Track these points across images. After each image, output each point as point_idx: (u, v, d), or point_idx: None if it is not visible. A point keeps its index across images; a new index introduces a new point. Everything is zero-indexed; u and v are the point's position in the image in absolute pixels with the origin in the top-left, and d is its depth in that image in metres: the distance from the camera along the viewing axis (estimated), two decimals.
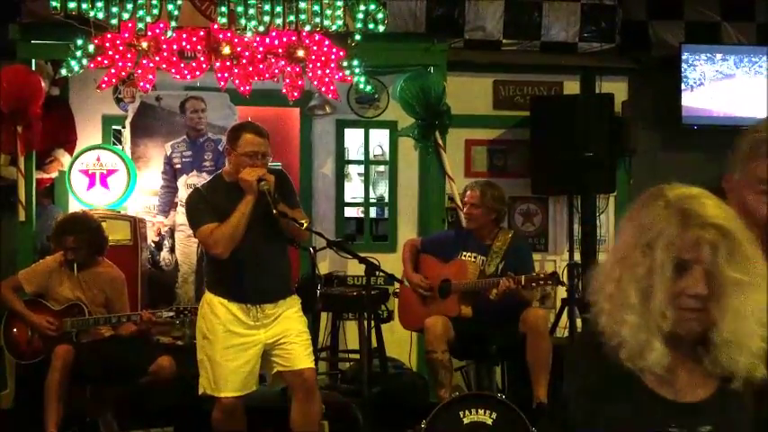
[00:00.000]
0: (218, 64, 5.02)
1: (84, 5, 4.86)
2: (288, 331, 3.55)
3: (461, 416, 3.74)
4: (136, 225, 5.16)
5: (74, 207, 5.45)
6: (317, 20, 5.03)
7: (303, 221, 3.56)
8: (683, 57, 5.96)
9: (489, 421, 3.72)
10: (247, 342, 3.53)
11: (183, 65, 5.02)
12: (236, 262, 3.49)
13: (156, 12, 4.94)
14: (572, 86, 5.81)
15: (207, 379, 3.54)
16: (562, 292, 5.41)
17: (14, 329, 4.36)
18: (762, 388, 1.41)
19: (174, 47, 4.99)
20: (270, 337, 3.55)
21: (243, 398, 3.56)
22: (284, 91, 5.11)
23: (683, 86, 5.96)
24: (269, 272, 3.56)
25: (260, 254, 3.53)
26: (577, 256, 5.54)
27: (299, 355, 3.54)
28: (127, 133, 5.51)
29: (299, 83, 5.11)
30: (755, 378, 1.38)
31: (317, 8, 5.03)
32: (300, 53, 5.04)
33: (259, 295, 3.53)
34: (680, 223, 1.34)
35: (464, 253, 4.64)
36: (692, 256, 1.34)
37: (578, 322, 4.96)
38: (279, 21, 5.01)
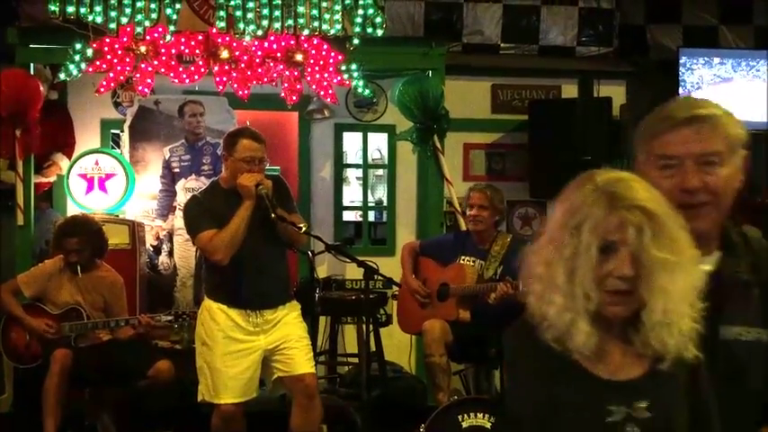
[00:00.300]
0: (216, 68, 5.02)
1: (83, 10, 4.86)
2: (288, 337, 3.55)
3: (460, 420, 3.73)
4: (134, 229, 5.16)
5: (72, 211, 5.44)
6: (316, 24, 5.04)
7: (302, 225, 3.57)
8: (681, 60, 5.97)
9: (488, 425, 3.72)
10: (247, 348, 3.52)
11: (181, 69, 5.03)
12: (236, 268, 3.49)
13: (154, 16, 4.94)
14: (570, 90, 5.82)
15: (206, 386, 3.53)
16: None
17: (13, 334, 4.35)
18: (695, 368, 1.43)
19: (173, 51, 5.00)
20: (270, 342, 3.54)
21: (242, 405, 3.56)
22: (283, 95, 5.12)
23: (681, 90, 5.97)
24: (268, 277, 3.56)
25: (259, 259, 3.53)
26: None
27: (300, 361, 3.54)
28: (125, 137, 5.51)
29: (298, 87, 5.11)
30: (685, 358, 1.41)
31: (315, 12, 5.03)
32: (299, 57, 5.04)
33: (258, 301, 3.53)
34: (606, 205, 1.37)
35: (463, 257, 4.64)
36: (618, 237, 1.36)
37: None
38: (277, 25, 5.02)
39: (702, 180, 1.57)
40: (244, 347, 3.52)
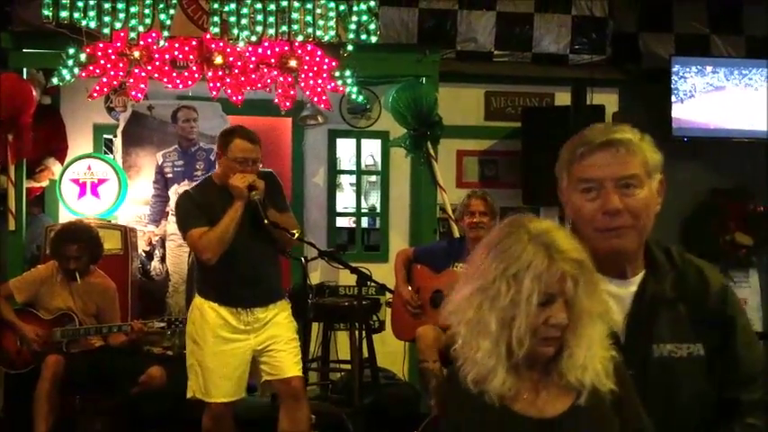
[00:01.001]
0: (210, 74, 5.02)
1: (77, 15, 4.86)
2: (277, 338, 3.55)
3: None
4: (127, 234, 5.14)
5: (64, 216, 5.43)
6: (310, 30, 5.05)
7: (294, 231, 3.56)
8: (674, 69, 6.00)
9: None
10: (237, 347, 3.53)
11: (175, 74, 5.02)
12: (227, 266, 3.49)
13: (148, 21, 4.94)
14: (563, 98, 5.84)
15: (197, 383, 3.54)
16: None
17: (4, 339, 4.33)
18: (618, 399, 1.49)
19: (167, 56, 4.99)
20: (259, 342, 3.55)
21: (232, 404, 3.56)
22: (276, 101, 5.12)
23: (674, 98, 6.00)
24: (259, 276, 3.56)
25: (250, 258, 3.53)
26: None
27: (288, 364, 3.54)
28: (118, 142, 5.50)
29: (292, 93, 5.11)
30: (602, 391, 1.48)
31: (309, 19, 5.04)
32: (293, 63, 5.05)
33: (249, 299, 3.53)
34: (546, 257, 1.43)
35: (457, 264, 4.64)
36: (557, 288, 1.43)
37: None
38: (271, 31, 5.03)
39: (623, 202, 1.60)
40: (234, 347, 3.52)
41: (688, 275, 1.69)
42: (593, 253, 1.49)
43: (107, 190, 5.29)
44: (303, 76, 5.08)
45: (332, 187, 6.04)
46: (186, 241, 3.69)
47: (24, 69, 5.21)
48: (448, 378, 1.55)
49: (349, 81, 5.15)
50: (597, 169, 1.61)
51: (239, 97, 5.04)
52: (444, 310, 1.53)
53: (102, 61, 4.93)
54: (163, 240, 5.43)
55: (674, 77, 5.99)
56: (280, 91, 5.10)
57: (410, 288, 4.69)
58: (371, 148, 6.26)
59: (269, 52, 5.04)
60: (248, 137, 3.54)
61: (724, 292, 1.68)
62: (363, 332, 4.46)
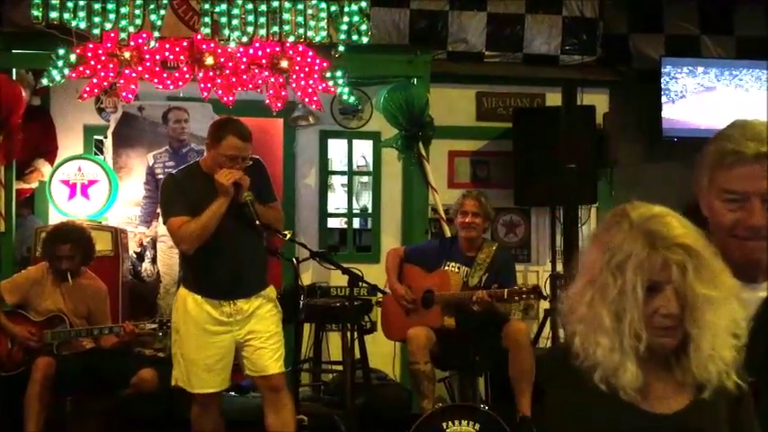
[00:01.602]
0: (201, 74, 5.01)
1: (66, 15, 4.84)
2: (258, 333, 3.55)
3: (445, 427, 3.74)
4: (117, 236, 5.12)
5: (54, 218, 5.40)
6: (301, 31, 5.04)
7: (286, 233, 3.57)
8: (665, 69, 6.03)
9: None
10: (220, 339, 3.54)
11: (165, 75, 5.01)
12: (211, 257, 3.50)
13: (138, 22, 4.93)
14: (554, 98, 5.85)
15: (180, 372, 3.57)
16: (545, 303, 5.43)
17: None
18: (738, 398, 1.44)
19: (157, 57, 4.98)
20: (241, 334, 3.55)
21: (219, 394, 3.60)
22: (267, 102, 5.11)
23: (664, 99, 6.02)
24: (243, 269, 3.56)
25: (234, 249, 3.53)
26: (560, 267, 5.58)
27: (267, 361, 3.55)
28: (109, 143, 5.48)
29: (283, 93, 5.11)
30: (727, 387, 1.42)
31: (300, 19, 5.04)
32: (284, 64, 5.04)
33: (232, 291, 3.53)
34: (647, 245, 1.38)
35: (448, 263, 4.64)
36: (662, 277, 1.38)
37: (561, 333, 4.98)
38: (262, 31, 5.02)
39: (766, 217, 1.56)
40: (217, 339, 3.53)
41: None
42: (727, 257, 1.45)
43: (97, 191, 5.27)
44: (294, 76, 5.08)
45: (323, 188, 6.03)
46: (166, 227, 3.70)
47: (14, 70, 5.19)
48: (563, 375, 1.47)
49: (340, 82, 5.15)
50: (745, 182, 1.56)
51: (230, 98, 5.03)
52: (561, 307, 1.48)
53: (93, 62, 4.91)
54: (154, 241, 5.41)
55: (664, 78, 6.02)
56: (271, 92, 5.09)
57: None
58: (363, 149, 6.25)
59: (260, 53, 5.03)
60: (241, 134, 3.51)
61: None
62: (355, 333, 4.46)
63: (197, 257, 3.52)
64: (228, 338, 3.55)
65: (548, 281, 5.40)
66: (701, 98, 6.07)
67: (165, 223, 3.68)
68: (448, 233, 5.41)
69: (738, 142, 1.58)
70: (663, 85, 6.01)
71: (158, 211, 5.35)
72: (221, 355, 3.54)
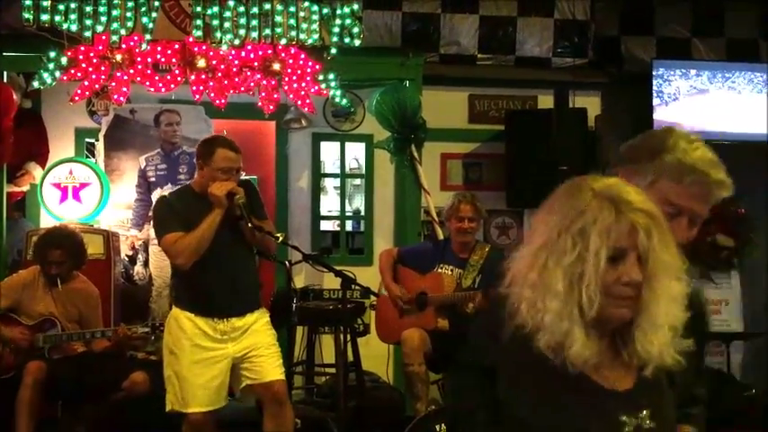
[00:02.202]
0: (193, 77, 5.00)
1: (58, 18, 4.82)
2: (257, 344, 3.54)
3: (438, 429, 3.72)
4: (109, 239, 5.11)
5: (45, 221, 5.38)
6: (293, 33, 5.04)
7: (279, 235, 3.56)
8: (658, 72, 6.05)
9: None
10: (215, 356, 3.50)
11: (157, 78, 5.00)
12: (204, 276, 3.48)
13: (130, 24, 4.92)
14: (546, 101, 5.87)
15: (174, 395, 3.51)
16: None
17: None
18: (670, 370, 1.43)
19: (149, 60, 4.97)
20: (238, 351, 3.52)
21: (212, 413, 3.53)
22: (260, 104, 5.11)
23: (657, 101, 6.05)
24: (237, 285, 3.54)
25: (228, 266, 3.51)
26: None
27: (269, 368, 3.53)
28: (100, 146, 5.46)
29: (275, 96, 5.10)
30: (666, 363, 1.40)
31: (292, 22, 5.04)
32: (276, 66, 5.04)
33: (226, 309, 3.51)
34: (613, 210, 1.34)
35: (441, 265, 4.65)
36: (629, 242, 1.34)
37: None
38: (254, 34, 5.01)
39: (686, 237, 1.66)
40: (211, 356, 3.49)
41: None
42: None
43: (89, 194, 5.25)
44: (287, 79, 5.08)
45: (316, 190, 6.03)
46: (161, 245, 3.65)
47: (5, 73, 5.17)
48: (510, 339, 1.39)
49: (333, 84, 5.15)
50: (689, 200, 1.64)
51: (222, 101, 5.03)
52: (506, 271, 1.43)
53: (84, 65, 4.89)
54: (146, 245, 5.39)
55: (657, 80, 6.04)
56: (263, 94, 5.08)
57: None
58: (355, 152, 6.25)
59: (252, 55, 5.03)
60: (231, 146, 3.52)
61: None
62: (348, 335, 4.45)
63: (191, 274, 3.48)
64: (223, 356, 3.51)
65: None
66: (694, 100, 6.10)
67: (159, 243, 3.63)
68: (441, 235, 5.41)
69: (698, 165, 1.65)
70: (656, 88, 6.03)
71: (150, 214, 5.35)
72: (216, 373, 3.49)
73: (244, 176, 3.78)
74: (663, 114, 6.07)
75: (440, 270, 4.64)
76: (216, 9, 4.96)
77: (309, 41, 5.07)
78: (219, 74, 5.00)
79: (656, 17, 6.31)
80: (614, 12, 6.28)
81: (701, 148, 1.69)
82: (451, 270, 4.62)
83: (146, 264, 5.37)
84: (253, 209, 3.56)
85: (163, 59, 4.99)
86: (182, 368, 3.47)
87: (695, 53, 6.32)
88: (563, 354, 1.35)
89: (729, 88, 6.13)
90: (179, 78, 5.01)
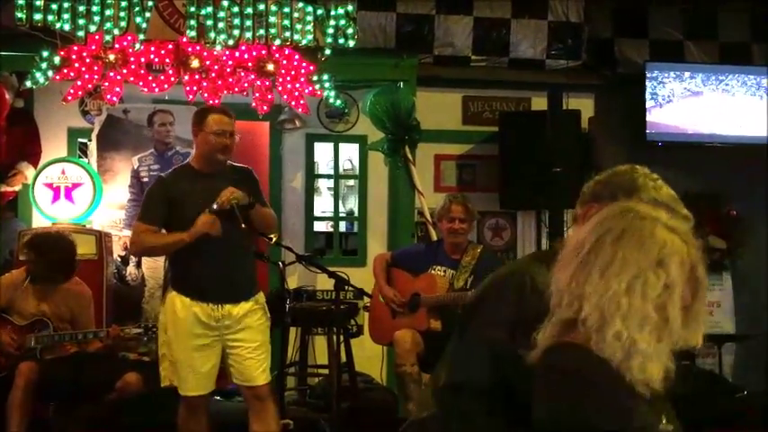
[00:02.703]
0: (186, 77, 4.99)
1: (51, 17, 4.81)
2: (246, 343, 3.56)
3: None
4: (101, 239, 5.09)
5: (38, 221, 5.36)
6: (287, 34, 5.04)
7: (272, 236, 3.57)
8: (652, 74, 6.07)
9: None
10: (208, 344, 3.53)
11: (151, 78, 4.99)
12: (199, 260, 3.50)
13: (123, 24, 4.90)
14: (540, 102, 5.88)
15: (169, 371, 3.57)
16: None
17: None
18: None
19: (142, 60, 4.95)
20: (230, 339, 3.56)
21: (206, 396, 3.60)
22: (254, 105, 5.10)
23: (652, 103, 6.07)
24: (232, 272, 3.56)
25: (223, 254, 3.52)
26: None
27: (254, 371, 3.56)
28: (93, 146, 5.44)
29: (269, 97, 5.10)
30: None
31: (286, 22, 5.03)
32: (270, 67, 5.03)
33: (220, 294, 3.53)
34: (684, 241, 1.45)
35: (434, 266, 4.65)
36: (700, 273, 1.46)
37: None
38: (248, 34, 5.01)
39: None
40: (204, 343, 3.52)
41: None
42: None
43: (81, 194, 5.23)
44: (281, 80, 5.07)
45: (310, 191, 6.03)
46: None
47: None
48: (588, 364, 1.42)
49: (327, 85, 5.15)
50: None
51: (216, 101, 5.01)
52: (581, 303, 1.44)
53: (77, 64, 4.88)
54: None
55: (651, 83, 6.06)
56: (257, 95, 5.08)
57: None
58: (349, 153, 6.25)
59: (246, 56, 5.02)
60: (224, 111, 3.63)
61: None
62: (341, 336, 4.45)
63: (186, 259, 3.52)
64: (216, 342, 3.54)
65: None
66: (688, 103, 6.12)
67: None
68: (434, 237, 5.41)
69: (673, 202, 1.76)
70: (650, 90, 6.05)
71: None
72: (208, 358, 3.53)
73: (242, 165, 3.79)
74: (657, 116, 6.09)
75: (433, 271, 4.64)
76: (210, 9, 4.95)
77: (304, 42, 5.06)
78: (213, 74, 4.99)
79: (649, 20, 6.34)
80: (608, 14, 6.30)
81: (664, 187, 1.82)
82: (444, 271, 4.62)
83: (138, 264, 5.36)
84: (253, 198, 3.59)
85: (156, 59, 4.97)
86: (176, 352, 3.53)
87: (688, 56, 6.34)
88: (640, 378, 1.41)
89: (723, 91, 6.16)
90: (172, 78, 5.00)
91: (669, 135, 6.05)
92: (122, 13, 4.89)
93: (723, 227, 6.09)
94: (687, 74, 6.15)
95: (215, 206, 3.46)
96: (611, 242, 1.44)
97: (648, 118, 6.06)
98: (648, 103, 6.06)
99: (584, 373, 1.41)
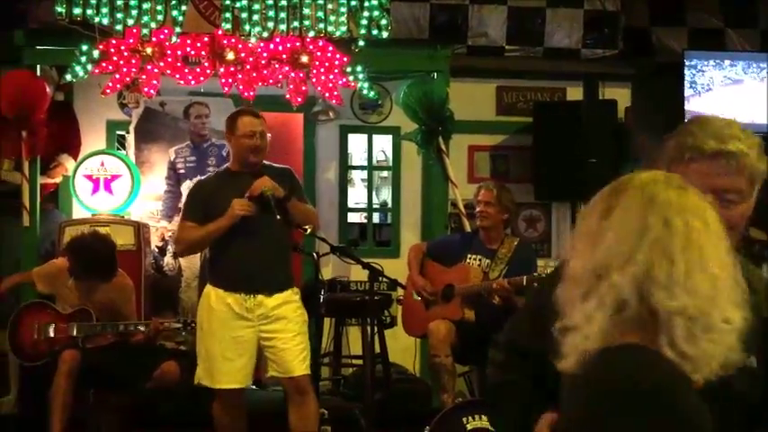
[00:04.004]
0: (222, 69, 5.03)
1: (90, 11, 4.88)
2: (282, 333, 3.58)
3: (465, 422, 3.73)
4: (139, 230, 5.17)
5: (78, 212, 5.46)
6: (321, 26, 5.05)
7: (307, 227, 3.60)
8: (691, 62, 5.96)
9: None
10: (243, 336, 3.57)
11: (187, 70, 5.04)
12: (235, 251, 3.56)
13: (160, 18, 4.96)
14: (575, 92, 5.82)
15: (204, 369, 3.61)
16: None
17: (21, 331, 4.36)
18: None
19: (179, 52, 5.01)
20: (265, 332, 3.59)
21: (242, 390, 3.64)
22: (288, 96, 5.13)
23: (691, 92, 5.97)
24: (267, 262, 3.60)
25: (260, 244, 3.57)
26: None
27: (292, 362, 3.58)
28: (131, 138, 5.52)
29: (303, 88, 5.12)
30: None
31: (320, 14, 5.04)
32: (304, 59, 5.05)
33: (254, 284, 3.57)
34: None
35: (469, 255, 4.63)
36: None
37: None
38: (283, 27, 5.03)
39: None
40: (239, 335, 3.57)
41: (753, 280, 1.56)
42: None
43: (120, 186, 5.32)
44: (314, 71, 5.09)
45: (343, 183, 6.04)
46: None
47: (38, 66, 5.24)
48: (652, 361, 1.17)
49: (360, 77, 5.15)
50: (701, 178, 1.51)
51: (251, 93, 5.05)
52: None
53: (115, 58, 4.95)
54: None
55: (690, 71, 5.95)
56: (291, 87, 5.10)
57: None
58: (383, 144, 6.26)
59: (280, 48, 5.05)
60: (252, 113, 3.75)
61: None
62: (375, 327, 4.47)
63: (222, 251, 3.60)
64: (251, 334, 3.57)
65: None
66: (728, 91, 6.00)
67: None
68: (468, 228, 5.40)
69: (698, 138, 1.55)
70: (688, 78, 5.94)
71: (180, 205, 5.40)
72: (243, 350, 3.57)
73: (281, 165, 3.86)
74: (696, 105, 5.98)
75: (468, 260, 4.63)
76: (245, 2, 4.98)
77: (337, 33, 5.07)
78: (248, 66, 5.02)
79: (687, 7, 6.22)
80: (645, 2, 6.20)
81: (702, 124, 1.59)
82: (479, 260, 4.61)
83: (175, 255, 5.43)
84: (293, 194, 3.65)
85: (192, 52, 5.02)
86: (212, 345, 3.57)
87: (729, 44, 6.22)
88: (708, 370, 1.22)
89: (764, 79, 6.03)
90: (208, 71, 5.05)
91: None
92: (159, 7, 4.94)
93: (764, 218, 5.97)
94: (727, 62, 6.03)
95: (247, 195, 3.55)
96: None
97: (687, 107, 5.95)
98: (687, 92, 5.96)
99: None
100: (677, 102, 5.97)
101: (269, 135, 3.73)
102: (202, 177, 3.96)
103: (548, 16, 6.09)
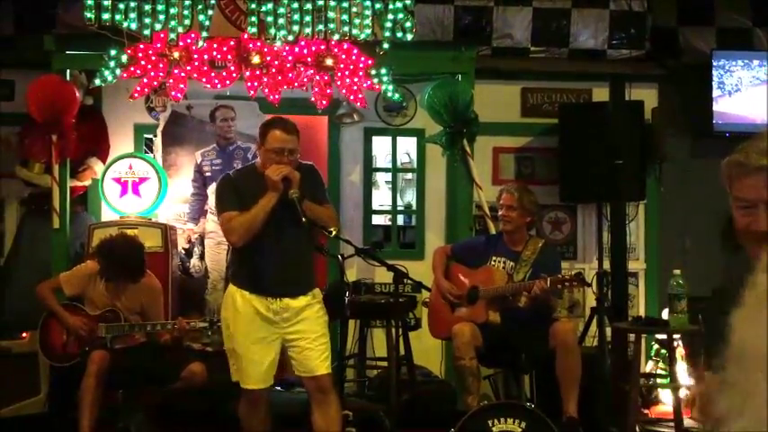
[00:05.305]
0: (247, 73, 5.07)
1: (118, 17, 4.94)
2: (306, 334, 3.58)
3: (490, 425, 3.72)
4: (167, 232, 5.22)
5: (106, 215, 5.53)
6: (346, 29, 5.07)
7: (332, 229, 3.60)
8: (719, 63, 5.89)
9: (519, 430, 3.70)
10: (267, 337, 3.58)
11: (213, 74, 5.09)
12: (259, 254, 3.56)
13: (187, 22, 5.01)
14: (601, 94, 5.78)
15: (236, 369, 3.63)
16: (591, 301, 5.37)
17: (51, 332, 4.43)
18: None
19: (205, 56, 5.06)
20: (289, 333, 3.59)
21: (267, 390, 3.64)
22: (313, 99, 5.15)
23: (719, 92, 5.89)
24: (291, 266, 3.60)
25: (282, 246, 3.57)
26: (606, 265, 5.50)
27: (315, 362, 3.58)
28: (158, 142, 5.58)
29: (328, 91, 5.14)
30: None
31: (345, 17, 5.06)
32: (329, 62, 5.07)
33: (280, 288, 3.57)
34: None
35: (494, 257, 4.63)
36: None
37: (608, 331, 4.92)
38: (308, 30, 5.06)
39: None
40: (264, 336, 3.57)
41: None
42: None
43: (148, 189, 5.38)
44: (339, 74, 5.11)
45: (368, 185, 6.06)
46: (219, 222, 3.80)
47: (68, 71, 5.32)
48: None
49: (385, 79, 5.16)
50: (752, 191, 1.68)
51: (276, 96, 5.09)
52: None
53: (143, 62, 5.01)
54: (202, 238, 5.50)
55: (718, 71, 5.88)
56: (316, 89, 5.13)
57: None
58: (407, 146, 6.26)
59: (305, 51, 5.08)
60: (284, 127, 3.58)
61: None
62: (400, 329, 4.47)
63: (246, 253, 3.58)
64: (276, 336, 3.59)
65: (594, 278, 5.34)
66: (756, 92, 5.92)
67: (218, 219, 3.77)
68: (492, 230, 5.38)
69: (747, 155, 1.69)
70: (717, 79, 5.87)
71: (206, 208, 5.46)
72: (268, 352, 3.58)
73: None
74: (724, 106, 5.91)
75: (492, 262, 4.62)
76: (270, 6, 5.02)
77: (362, 36, 5.08)
78: (273, 70, 5.06)
79: (715, 7, 6.15)
80: (672, 2, 6.14)
81: (753, 140, 1.72)
82: (504, 262, 4.59)
83: (201, 257, 5.49)
84: (315, 194, 3.62)
85: (218, 56, 5.07)
86: (237, 345, 3.59)
87: (757, 44, 6.13)
88: None
89: None
90: (234, 75, 5.09)
91: (737, 125, 5.86)
92: (186, 12, 4.99)
93: None
94: (756, 62, 5.95)
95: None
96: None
97: (715, 108, 5.88)
98: (715, 93, 5.89)
99: None
100: (705, 102, 5.90)
101: (298, 153, 3.62)
102: (230, 173, 3.82)
103: (573, 17, 6.06)
